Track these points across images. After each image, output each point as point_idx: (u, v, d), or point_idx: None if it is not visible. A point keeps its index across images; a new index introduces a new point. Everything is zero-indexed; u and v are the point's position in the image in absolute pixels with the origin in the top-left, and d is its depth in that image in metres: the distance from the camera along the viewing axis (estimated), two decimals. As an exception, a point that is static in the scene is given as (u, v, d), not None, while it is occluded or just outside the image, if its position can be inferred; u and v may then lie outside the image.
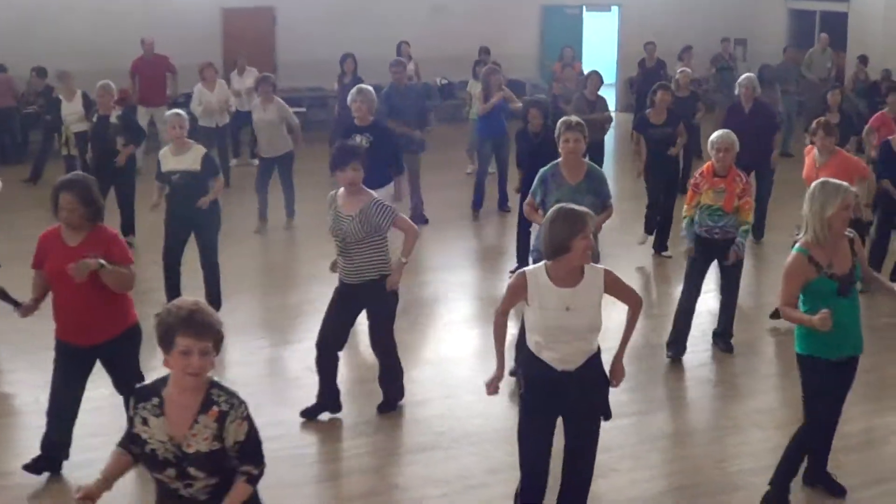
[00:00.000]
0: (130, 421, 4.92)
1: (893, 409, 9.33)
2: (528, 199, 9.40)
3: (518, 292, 6.37)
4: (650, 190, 14.12)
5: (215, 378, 4.90)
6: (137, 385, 5.08)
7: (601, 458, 6.99)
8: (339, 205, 8.43)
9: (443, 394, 9.40)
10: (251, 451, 4.90)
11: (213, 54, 20.14)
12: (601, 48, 27.06)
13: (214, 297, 11.18)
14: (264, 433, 5.01)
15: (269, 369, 10.17)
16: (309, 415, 8.75)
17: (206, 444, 4.79)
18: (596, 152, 15.98)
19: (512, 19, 24.79)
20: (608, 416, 6.72)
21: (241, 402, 4.85)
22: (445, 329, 11.27)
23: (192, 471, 4.81)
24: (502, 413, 8.93)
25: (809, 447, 7.32)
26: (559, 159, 9.18)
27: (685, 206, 10.10)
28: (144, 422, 4.84)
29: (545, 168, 9.27)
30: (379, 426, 8.76)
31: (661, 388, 9.75)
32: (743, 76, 14.93)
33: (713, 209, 9.82)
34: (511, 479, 7.75)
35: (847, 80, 22.77)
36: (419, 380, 9.69)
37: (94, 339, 7.37)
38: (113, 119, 13.68)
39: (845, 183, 6.94)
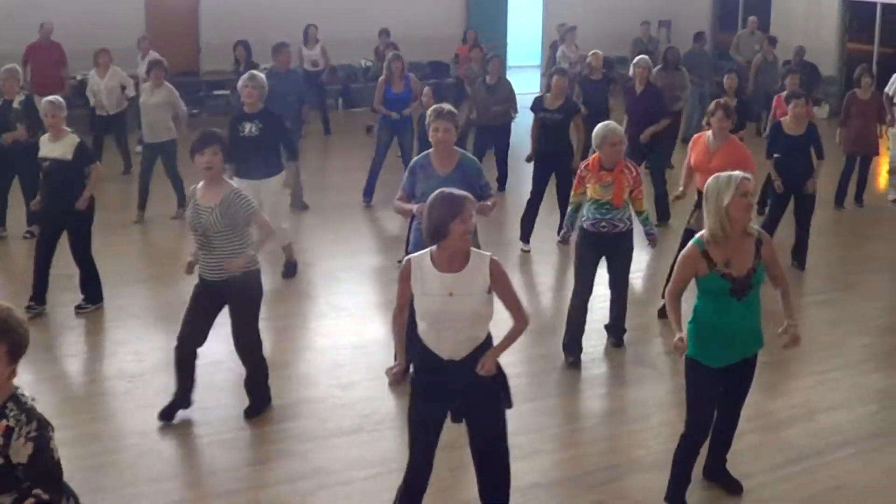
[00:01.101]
0: None
1: (788, 392, 9.45)
2: (399, 192, 9.06)
3: (406, 279, 6.34)
4: (534, 178, 13.57)
5: (21, 392, 4.59)
6: None
7: (523, 440, 7.06)
8: (197, 197, 8.21)
9: (367, 376, 9.39)
10: (39, 476, 4.55)
11: (136, 38, 19.83)
12: (526, 30, 27.17)
13: (91, 294, 11.03)
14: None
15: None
16: (166, 416, 8.43)
17: None
18: (501, 136, 16.14)
19: (437, 1, 24.78)
20: (509, 405, 6.58)
21: (32, 422, 4.48)
22: (370, 312, 11.29)
23: None
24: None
25: (691, 452, 7.10)
26: (431, 149, 8.95)
27: (571, 194, 9.93)
28: None
29: (416, 158, 9.08)
30: (304, 410, 8.76)
31: (581, 369, 9.80)
32: (638, 57, 15.01)
33: (600, 203, 9.50)
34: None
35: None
36: (344, 363, 9.71)
37: None
38: (16, 104, 13.42)
39: (738, 171, 6.74)
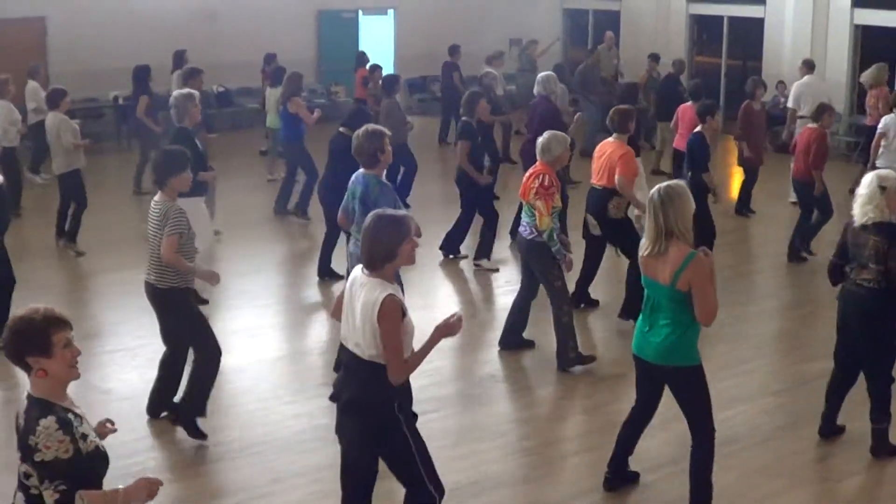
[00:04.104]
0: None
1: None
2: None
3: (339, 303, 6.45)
4: (487, 195, 13.82)
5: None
6: None
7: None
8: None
9: (226, 404, 9.31)
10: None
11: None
12: (378, 51, 27.17)
13: None
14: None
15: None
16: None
17: None
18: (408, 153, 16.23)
19: (288, 25, 24.62)
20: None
21: None
22: (231, 336, 11.12)
23: None
24: (283, 422, 8.99)
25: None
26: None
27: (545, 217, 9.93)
28: None
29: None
30: (161, 441, 8.64)
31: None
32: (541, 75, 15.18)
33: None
34: (294, 487, 7.80)
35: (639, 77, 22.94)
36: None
37: None
38: None
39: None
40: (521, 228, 10.21)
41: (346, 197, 9.37)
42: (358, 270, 6.27)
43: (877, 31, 21.39)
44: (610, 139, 11.55)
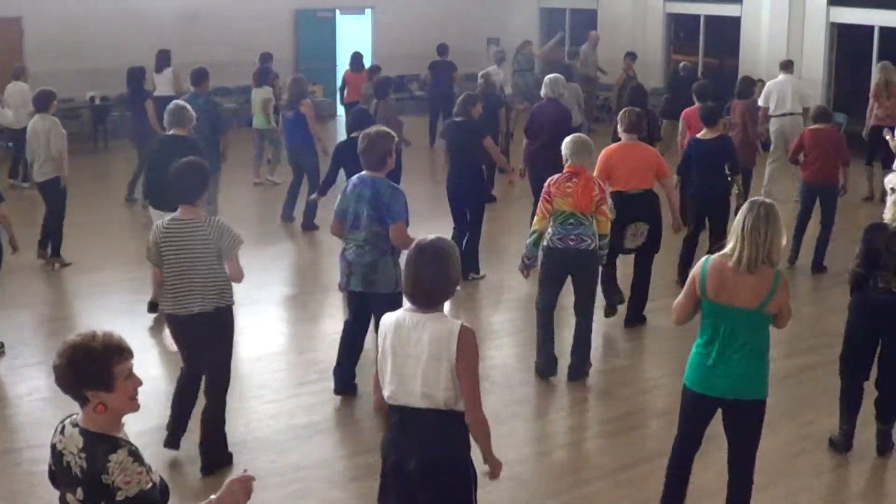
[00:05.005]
0: None
1: (623, 399, 9.67)
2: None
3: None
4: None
5: None
6: None
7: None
8: None
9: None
10: None
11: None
12: (356, 50, 27.19)
13: None
14: None
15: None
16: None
17: None
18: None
19: (265, 24, 24.62)
20: None
21: None
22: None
23: None
24: (263, 421, 9.00)
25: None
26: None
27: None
28: None
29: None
30: (138, 443, 8.56)
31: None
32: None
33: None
34: (273, 486, 7.79)
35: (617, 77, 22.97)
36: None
37: None
38: None
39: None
40: (562, 238, 9.59)
41: (343, 201, 8.94)
42: (393, 315, 5.67)
43: (853, 29, 21.52)
44: (628, 141, 11.16)
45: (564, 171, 9.67)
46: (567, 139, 9.88)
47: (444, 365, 5.42)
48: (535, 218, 9.84)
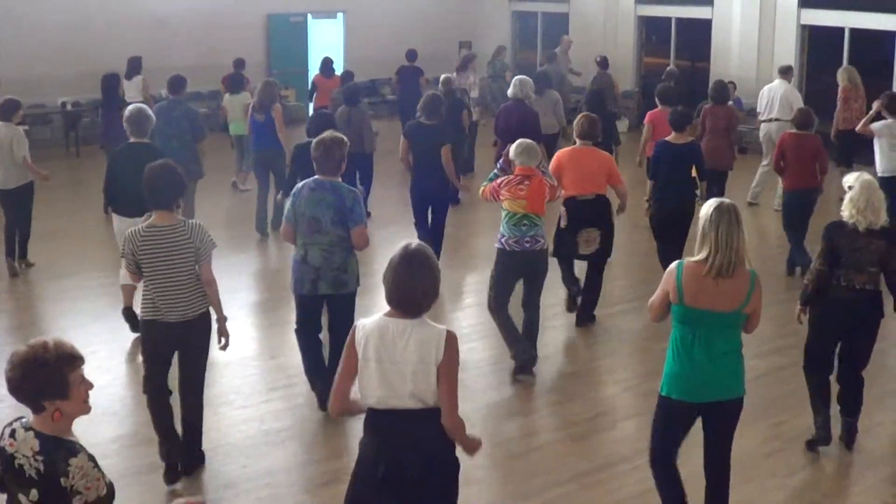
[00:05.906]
0: None
1: (593, 401, 9.70)
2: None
3: None
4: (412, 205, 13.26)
5: None
6: None
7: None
8: None
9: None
10: None
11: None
12: (328, 55, 27.19)
13: None
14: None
15: None
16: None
17: None
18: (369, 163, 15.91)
19: (236, 28, 24.55)
20: None
21: None
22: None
23: None
24: (235, 426, 8.97)
25: None
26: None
27: None
28: None
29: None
30: (110, 449, 8.55)
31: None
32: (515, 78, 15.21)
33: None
34: (245, 492, 7.78)
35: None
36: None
37: None
38: None
39: None
40: (518, 241, 9.73)
41: (295, 206, 8.90)
42: (372, 322, 5.66)
43: (824, 31, 21.60)
44: (581, 146, 11.16)
45: (515, 173, 9.82)
46: (515, 143, 10.02)
47: (431, 368, 5.50)
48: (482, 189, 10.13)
